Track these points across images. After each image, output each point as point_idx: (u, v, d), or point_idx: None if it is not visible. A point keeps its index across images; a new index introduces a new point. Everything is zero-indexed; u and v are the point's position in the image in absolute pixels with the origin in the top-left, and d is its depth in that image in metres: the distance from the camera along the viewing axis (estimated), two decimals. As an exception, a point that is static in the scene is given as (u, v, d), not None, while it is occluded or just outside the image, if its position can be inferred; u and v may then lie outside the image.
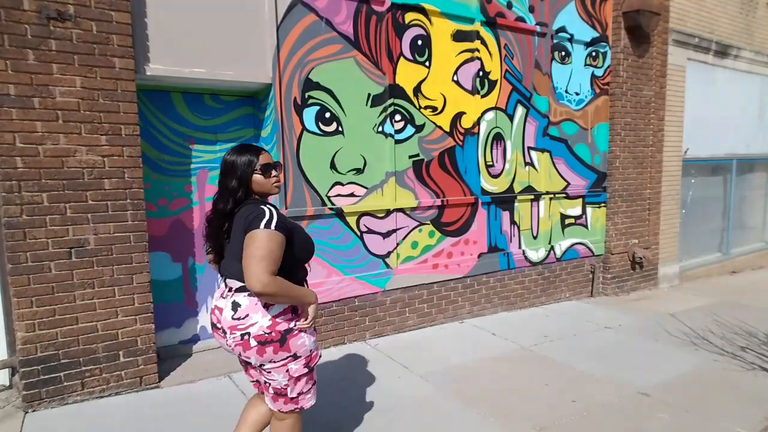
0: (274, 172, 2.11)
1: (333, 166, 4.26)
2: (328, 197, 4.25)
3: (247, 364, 2.21)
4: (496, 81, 5.13)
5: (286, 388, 2.10)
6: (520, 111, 5.34)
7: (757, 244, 8.68)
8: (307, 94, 4.10)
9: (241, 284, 2.01)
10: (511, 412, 3.24)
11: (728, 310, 5.59)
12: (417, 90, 4.62)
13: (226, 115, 4.16)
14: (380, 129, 4.46)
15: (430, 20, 4.64)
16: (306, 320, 2.08)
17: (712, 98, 7.19)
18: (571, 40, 5.62)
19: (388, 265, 4.61)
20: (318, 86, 4.14)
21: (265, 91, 4.05)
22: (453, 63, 4.82)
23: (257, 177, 2.06)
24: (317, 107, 4.16)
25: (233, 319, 2.01)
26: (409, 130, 4.62)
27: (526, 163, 5.46)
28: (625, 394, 3.50)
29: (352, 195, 4.38)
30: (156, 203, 3.90)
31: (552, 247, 5.74)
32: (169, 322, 4.00)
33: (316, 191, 4.19)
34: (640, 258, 6.24)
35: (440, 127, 4.80)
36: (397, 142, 4.55)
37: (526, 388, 3.60)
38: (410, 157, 4.65)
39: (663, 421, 3.15)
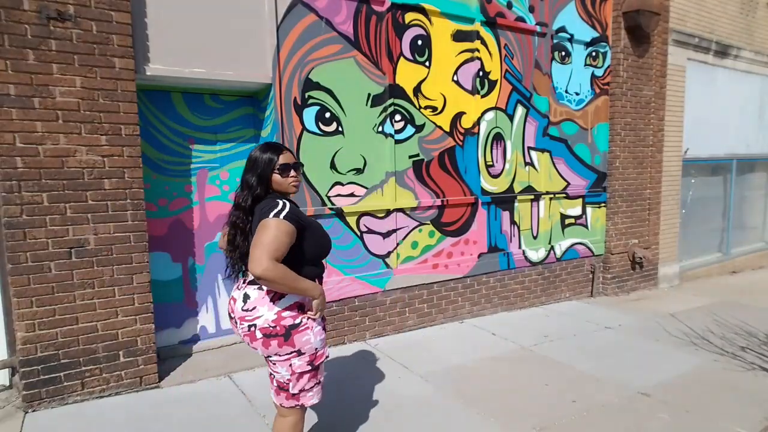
0: (292, 172, 2.16)
1: (333, 166, 4.26)
2: (328, 197, 4.25)
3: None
4: (496, 81, 5.13)
5: (288, 383, 2.14)
6: (520, 111, 5.34)
7: (757, 244, 8.68)
8: (307, 94, 4.10)
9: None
10: (511, 412, 3.24)
11: (728, 310, 5.59)
12: (417, 90, 4.62)
13: (226, 115, 4.16)
14: (380, 129, 4.46)
15: (430, 20, 4.64)
16: (312, 313, 2.12)
17: (712, 98, 7.19)
18: (571, 40, 5.62)
19: (388, 265, 4.61)
20: (318, 86, 4.14)
21: (265, 91, 4.05)
22: (453, 63, 4.82)
23: (275, 176, 2.13)
24: (317, 107, 4.16)
25: (243, 310, 2.09)
26: (409, 130, 4.62)
27: (526, 163, 5.46)
28: (625, 394, 3.50)
29: (352, 195, 4.38)
30: (156, 203, 3.90)
31: (552, 247, 5.74)
32: (169, 322, 4.00)
33: (316, 191, 4.19)
34: (640, 258, 6.24)
35: (440, 127, 4.80)
36: (397, 142, 4.55)
37: (526, 388, 3.60)
38: (410, 157, 4.65)
39: (663, 421, 3.15)
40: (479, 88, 5.01)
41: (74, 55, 3.14)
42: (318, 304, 2.12)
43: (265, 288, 2.08)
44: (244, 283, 2.17)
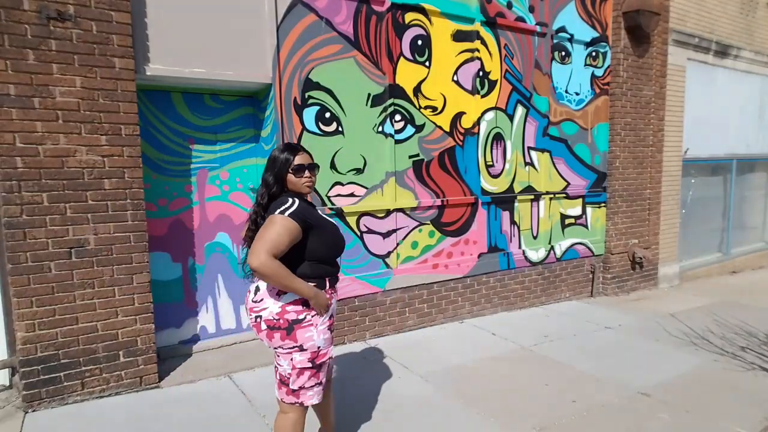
0: (306, 173, 2.25)
1: (333, 166, 4.26)
2: (328, 197, 4.25)
3: None
4: (496, 81, 5.13)
5: (288, 377, 2.20)
6: (520, 111, 5.34)
7: (757, 244, 8.68)
8: (307, 94, 4.10)
9: None
10: (511, 412, 3.24)
11: (728, 310, 5.59)
12: (417, 90, 4.62)
13: (226, 115, 4.16)
14: (380, 129, 4.46)
15: (430, 20, 4.64)
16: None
17: (712, 98, 7.19)
18: (571, 40, 5.62)
19: (388, 265, 4.61)
20: (318, 86, 4.14)
21: (265, 91, 4.05)
22: (453, 63, 4.82)
23: (290, 175, 2.23)
24: (317, 107, 4.16)
25: (252, 301, 2.22)
26: (409, 130, 4.62)
27: (526, 163, 5.46)
28: (625, 394, 3.49)
29: (352, 195, 4.38)
30: (156, 203, 3.90)
31: (552, 247, 5.74)
32: (169, 322, 4.00)
33: (316, 191, 4.18)
34: (640, 258, 6.24)
35: (440, 127, 4.80)
36: (397, 142, 4.55)
37: (526, 388, 3.60)
38: (410, 157, 4.65)
39: (663, 421, 3.15)
40: (479, 88, 5.01)
41: (74, 55, 3.14)
42: (314, 305, 2.16)
43: None
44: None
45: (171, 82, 3.72)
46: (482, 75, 5.03)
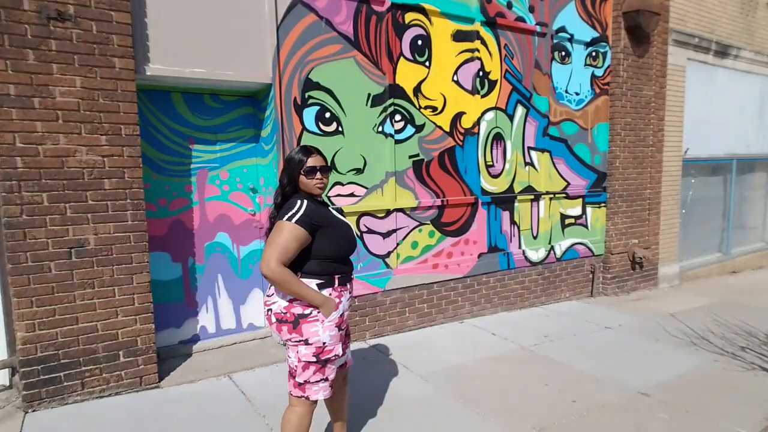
0: (318, 175, 2.30)
1: (333, 166, 4.26)
2: (328, 197, 4.25)
3: None
4: (496, 81, 5.13)
5: (295, 370, 2.28)
6: (520, 111, 5.34)
7: (757, 244, 8.68)
8: (307, 94, 4.10)
9: None
10: (511, 412, 3.24)
11: (728, 310, 5.59)
12: (417, 90, 4.62)
13: (226, 115, 4.16)
14: (380, 129, 4.46)
15: (430, 20, 4.64)
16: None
17: (712, 98, 7.19)
18: (571, 40, 5.62)
19: (388, 265, 4.61)
20: (318, 86, 4.14)
21: (265, 91, 4.05)
22: (453, 63, 4.82)
23: (302, 177, 2.30)
24: (317, 107, 4.16)
25: (266, 295, 2.35)
26: (409, 130, 4.62)
27: (526, 163, 5.46)
28: (625, 394, 3.50)
29: (352, 195, 4.38)
30: (156, 203, 3.90)
31: (552, 247, 5.74)
32: (169, 322, 4.00)
33: (316, 191, 4.18)
34: (640, 258, 6.24)
35: (440, 127, 4.80)
36: (397, 142, 4.55)
37: (526, 388, 3.60)
38: (410, 157, 4.65)
39: (663, 421, 3.15)
40: (479, 88, 5.01)
41: (74, 55, 3.14)
42: (323, 312, 2.22)
43: None
44: None
45: (171, 82, 3.72)
46: (482, 75, 5.03)
